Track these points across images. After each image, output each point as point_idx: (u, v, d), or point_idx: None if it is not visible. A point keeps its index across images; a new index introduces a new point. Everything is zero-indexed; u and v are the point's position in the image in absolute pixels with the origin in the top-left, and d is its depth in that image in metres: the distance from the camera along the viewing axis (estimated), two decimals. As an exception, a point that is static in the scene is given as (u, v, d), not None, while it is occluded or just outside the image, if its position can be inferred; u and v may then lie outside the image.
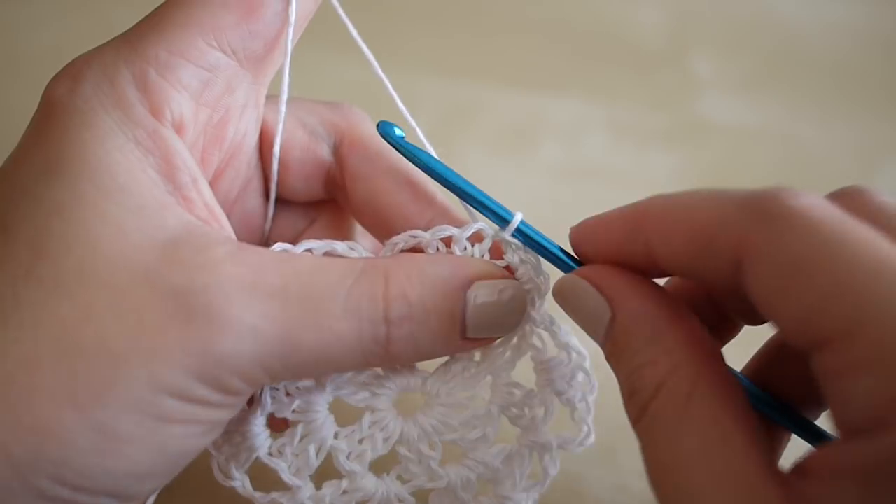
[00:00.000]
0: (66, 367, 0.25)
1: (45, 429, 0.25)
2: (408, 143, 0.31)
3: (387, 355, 0.29)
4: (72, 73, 0.28)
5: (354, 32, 0.33)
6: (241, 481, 0.31)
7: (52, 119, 0.27)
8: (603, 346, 0.28)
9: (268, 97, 0.33)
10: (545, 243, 0.30)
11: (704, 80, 0.60)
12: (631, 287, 0.28)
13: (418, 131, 0.33)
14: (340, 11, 0.32)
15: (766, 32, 0.64)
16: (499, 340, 0.31)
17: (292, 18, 0.30)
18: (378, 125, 0.31)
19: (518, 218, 0.30)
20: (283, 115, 0.32)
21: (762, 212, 0.23)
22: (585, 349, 0.32)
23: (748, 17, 0.66)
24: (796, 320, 0.23)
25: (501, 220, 0.30)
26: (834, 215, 0.23)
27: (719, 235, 0.24)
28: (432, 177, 0.31)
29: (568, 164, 0.54)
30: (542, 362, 0.32)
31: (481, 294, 0.29)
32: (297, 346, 0.27)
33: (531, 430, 0.32)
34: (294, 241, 0.31)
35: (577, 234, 0.30)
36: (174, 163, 0.28)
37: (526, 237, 0.30)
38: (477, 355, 0.32)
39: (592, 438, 0.32)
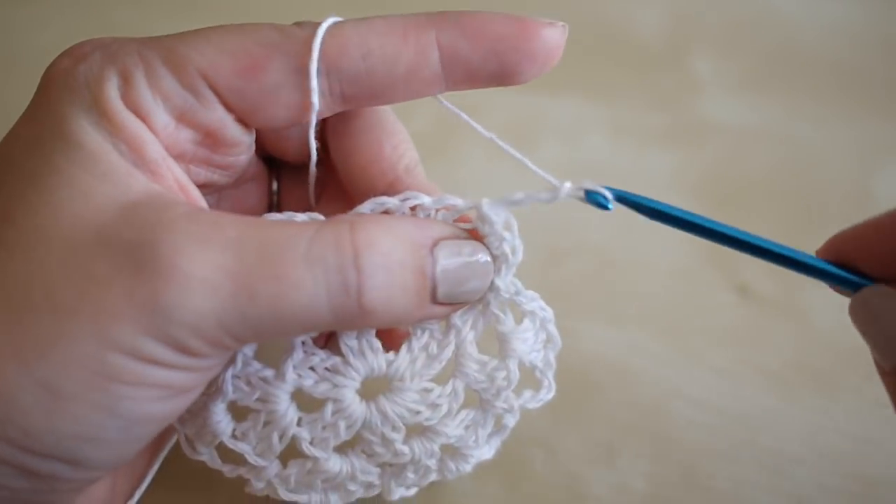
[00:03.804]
0: (14, 323, 0.25)
1: None
2: (635, 196, 0.29)
3: (359, 309, 0.27)
4: (75, 52, 0.29)
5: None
6: (208, 455, 0.32)
7: (44, 94, 0.29)
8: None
9: None
10: (815, 263, 0.29)
11: (704, 80, 0.60)
12: None
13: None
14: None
15: (766, 32, 0.64)
16: (459, 311, 0.31)
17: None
18: (587, 195, 0.30)
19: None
20: (314, 154, 0.31)
21: None
22: (549, 308, 0.32)
23: (748, 17, 0.65)
24: None
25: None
26: None
27: None
28: (684, 228, 0.29)
29: (568, 164, 0.53)
30: (504, 333, 0.31)
31: (445, 252, 0.29)
32: (253, 297, 0.25)
33: (495, 398, 0.32)
34: None
35: (837, 245, 0.29)
36: (142, 138, 0.28)
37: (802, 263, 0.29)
38: (438, 331, 0.32)
39: (553, 393, 0.33)
